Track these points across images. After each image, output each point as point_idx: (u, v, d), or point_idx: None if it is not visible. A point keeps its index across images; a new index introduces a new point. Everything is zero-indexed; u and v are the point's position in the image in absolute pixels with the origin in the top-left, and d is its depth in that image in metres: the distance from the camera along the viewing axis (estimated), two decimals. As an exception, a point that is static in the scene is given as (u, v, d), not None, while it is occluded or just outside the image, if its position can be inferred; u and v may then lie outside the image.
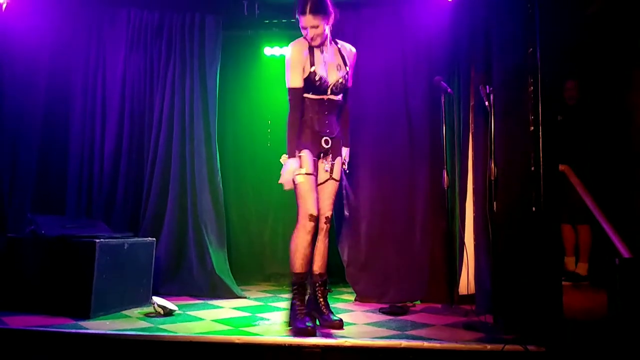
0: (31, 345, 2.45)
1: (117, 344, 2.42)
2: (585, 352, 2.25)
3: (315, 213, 2.65)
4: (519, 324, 2.55)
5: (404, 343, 2.34)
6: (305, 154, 2.71)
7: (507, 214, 2.78)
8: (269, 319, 2.94)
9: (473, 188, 3.31)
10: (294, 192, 2.73)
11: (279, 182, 2.74)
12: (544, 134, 2.46)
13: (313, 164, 2.71)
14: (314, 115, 2.75)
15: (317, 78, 2.69)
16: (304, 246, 2.65)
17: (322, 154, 2.79)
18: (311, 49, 2.71)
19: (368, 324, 2.83)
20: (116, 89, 4.07)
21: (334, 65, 2.77)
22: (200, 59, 4.08)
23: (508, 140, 2.78)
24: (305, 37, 2.72)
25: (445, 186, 3.35)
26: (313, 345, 2.36)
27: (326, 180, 2.81)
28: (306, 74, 2.68)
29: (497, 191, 2.78)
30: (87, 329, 2.56)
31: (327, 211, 2.82)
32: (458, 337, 2.47)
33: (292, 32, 4.62)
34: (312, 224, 2.65)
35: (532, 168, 2.51)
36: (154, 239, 3.47)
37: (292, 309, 2.66)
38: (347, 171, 3.01)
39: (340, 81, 2.76)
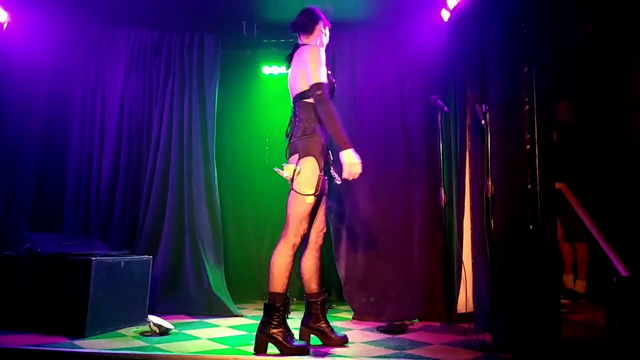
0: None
1: (112, 363, 2.40)
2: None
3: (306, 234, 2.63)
4: (518, 342, 2.54)
5: (401, 362, 2.33)
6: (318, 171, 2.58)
7: (504, 232, 2.78)
8: (266, 338, 2.90)
9: (470, 205, 3.32)
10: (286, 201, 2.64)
11: (346, 176, 2.60)
12: (540, 152, 2.48)
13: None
14: (320, 124, 2.65)
15: (333, 82, 2.74)
16: (290, 265, 2.57)
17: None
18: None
19: (366, 342, 2.81)
20: (115, 107, 4.10)
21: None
22: (199, 77, 4.12)
23: (504, 158, 2.80)
24: (321, 44, 2.83)
25: (443, 203, 3.36)
26: (310, 365, 2.34)
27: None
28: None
29: (494, 209, 2.79)
30: (82, 348, 2.53)
31: (324, 227, 2.81)
32: (456, 357, 2.45)
33: (290, 50, 4.72)
34: (299, 244, 2.60)
35: (529, 186, 2.53)
36: (151, 256, 3.45)
37: (283, 333, 2.51)
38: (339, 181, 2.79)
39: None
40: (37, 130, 3.95)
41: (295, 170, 2.59)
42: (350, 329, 3.22)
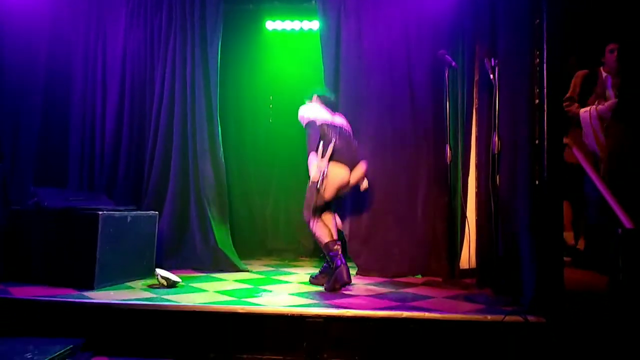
0: (36, 314, 2.48)
1: (122, 313, 2.46)
2: (585, 323, 2.27)
3: None
4: (520, 296, 2.58)
5: (405, 313, 2.37)
6: None
7: (510, 188, 2.78)
8: (272, 291, 2.96)
9: (476, 163, 3.30)
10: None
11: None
12: (549, 107, 2.45)
13: None
14: None
15: None
16: None
17: None
18: None
19: (370, 295, 2.86)
20: (117, 63, 4.04)
21: None
22: (201, 32, 4.03)
23: (512, 113, 2.77)
24: None
25: (448, 161, 3.34)
26: (315, 315, 2.38)
27: None
28: None
29: (500, 165, 2.77)
30: (91, 298, 2.59)
31: None
32: (459, 309, 2.49)
33: (294, 5, 4.62)
34: None
35: (537, 141, 2.51)
36: (157, 212, 3.48)
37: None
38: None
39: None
40: (39, 87, 3.92)
41: None
42: (354, 284, 3.27)
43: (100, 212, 2.90)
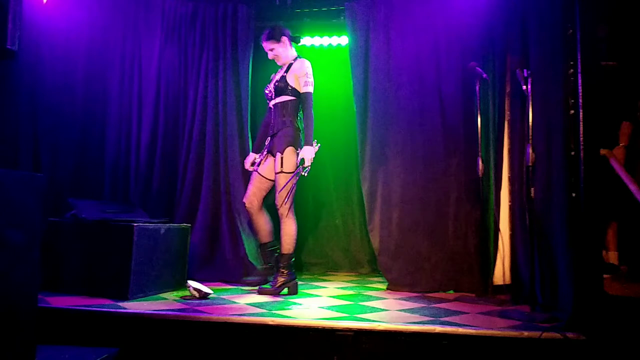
0: (72, 323, 2.54)
1: (155, 323, 2.49)
2: (628, 340, 2.18)
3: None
4: (558, 312, 2.50)
5: (438, 328, 2.32)
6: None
7: (545, 201, 2.72)
8: (302, 304, 2.96)
9: (509, 176, 3.25)
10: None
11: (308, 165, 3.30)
12: (585, 117, 2.40)
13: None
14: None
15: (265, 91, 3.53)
16: None
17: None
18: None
19: (401, 310, 2.82)
20: (151, 78, 4.16)
21: (274, 78, 3.50)
22: (233, 50, 4.13)
23: (547, 124, 2.72)
24: None
25: (480, 174, 3.30)
26: (346, 328, 2.36)
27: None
28: None
29: (534, 177, 2.72)
30: (126, 309, 2.63)
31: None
32: (493, 325, 2.43)
33: (323, 21, 4.68)
34: None
35: (572, 152, 2.46)
36: (189, 224, 3.54)
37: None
38: (305, 174, 3.34)
39: (276, 84, 3.44)
40: (78, 103, 4.06)
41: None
42: (385, 298, 3.24)
43: (135, 224, 2.97)
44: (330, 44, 4.88)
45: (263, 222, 3.51)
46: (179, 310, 2.64)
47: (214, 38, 4.16)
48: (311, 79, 3.45)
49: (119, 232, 2.98)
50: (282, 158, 3.32)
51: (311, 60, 5.02)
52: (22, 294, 1.79)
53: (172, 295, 3.13)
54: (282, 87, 3.42)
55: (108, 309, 2.60)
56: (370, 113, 3.82)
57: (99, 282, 3.00)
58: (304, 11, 4.43)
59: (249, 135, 4.04)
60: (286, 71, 3.47)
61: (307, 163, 3.30)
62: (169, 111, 4.17)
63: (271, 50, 3.48)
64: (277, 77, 3.50)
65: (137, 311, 2.57)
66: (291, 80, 3.43)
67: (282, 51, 3.48)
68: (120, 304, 2.78)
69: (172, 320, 2.49)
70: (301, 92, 3.44)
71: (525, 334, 2.25)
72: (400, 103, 3.78)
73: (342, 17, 4.32)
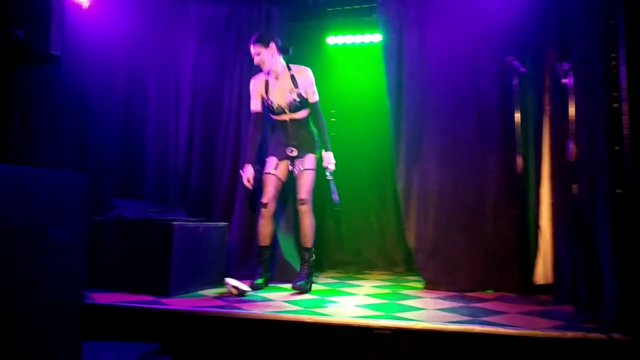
0: (115, 319, 2.62)
1: (195, 319, 2.54)
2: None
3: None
4: (603, 312, 2.42)
5: (477, 328, 2.28)
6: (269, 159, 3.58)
7: (588, 198, 2.63)
8: (338, 302, 2.96)
9: (550, 172, 3.16)
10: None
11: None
12: (630, 111, 2.30)
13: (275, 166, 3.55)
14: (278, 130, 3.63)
15: (270, 103, 3.53)
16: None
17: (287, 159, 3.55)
18: (267, 81, 3.53)
19: (439, 309, 2.78)
20: (188, 81, 4.26)
21: (285, 90, 3.49)
22: (266, 50, 4.16)
23: (589, 119, 2.63)
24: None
25: (519, 171, 3.21)
26: (383, 327, 2.35)
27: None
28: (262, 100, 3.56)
29: (577, 173, 2.63)
30: (167, 305, 2.70)
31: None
32: (535, 325, 2.37)
33: (355, 19, 4.68)
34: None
35: (616, 147, 2.37)
36: (227, 223, 3.60)
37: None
38: (330, 177, 3.60)
39: (293, 102, 3.49)
40: (118, 104, 4.20)
41: None
42: (422, 297, 3.20)
43: (174, 223, 3.04)
44: (362, 42, 4.87)
45: (273, 226, 3.62)
46: (217, 306, 2.69)
47: (248, 40, 4.19)
48: (312, 76, 3.58)
49: (160, 230, 3.06)
50: (310, 157, 3.55)
51: (344, 58, 5.08)
52: (69, 291, 1.86)
53: (210, 292, 3.19)
54: (299, 103, 3.52)
55: (150, 305, 2.68)
56: (405, 110, 3.78)
57: (140, 279, 3.08)
58: (336, 10, 4.44)
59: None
60: (296, 86, 3.52)
61: (333, 167, 3.58)
62: (205, 113, 4.26)
63: (258, 54, 3.45)
64: (287, 92, 3.51)
65: (178, 307, 2.64)
66: (303, 93, 3.53)
67: (268, 57, 3.46)
68: (161, 300, 2.85)
69: (212, 316, 2.54)
70: (311, 101, 3.56)
71: (569, 334, 2.18)
72: (435, 99, 3.72)
73: (374, 15, 4.29)
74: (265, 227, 3.52)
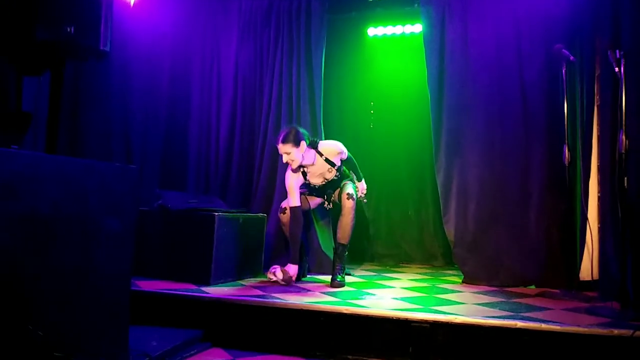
0: (160, 306, 2.72)
1: (236, 308, 2.61)
2: None
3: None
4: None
5: (519, 324, 2.23)
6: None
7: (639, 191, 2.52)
8: (375, 294, 2.96)
9: (598, 165, 3.04)
10: None
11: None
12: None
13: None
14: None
15: (310, 184, 3.51)
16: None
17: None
18: (303, 171, 3.43)
19: (478, 304, 2.74)
20: (229, 75, 4.34)
21: (324, 171, 3.45)
22: (306, 43, 4.18)
23: (642, 108, 2.51)
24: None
25: (566, 163, 3.10)
26: (422, 320, 2.34)
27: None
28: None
29: (628, 166, 2.52)
30: (208, 293, 2.78)
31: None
32: (580, 322, 2.29)
33: (396, 10, 4.62)
34: None
35: (672, 139, 2.26)
36: (265, 214, 3.65)
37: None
38: (365, 201, 3.96)
39: (334, 177, 3.50)
40: (163, 98, 4.33)
41: None
42: (461, 291, 3.16)
43: (216, 214, 3.12)
44: (403, 33, 4.81)
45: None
46: (257, 296, 2.75)
47: (288, 33, 4.23)
48: (340, 147, 3.44)
49: (202, 221, 3.14)
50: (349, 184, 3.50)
51: (384, 49, 5.03)
52: (118, 278, 1.94)
53: (249, 282, 3.26)
54: (338, 172, 3.50)
55: (192, 293, 2.76)
56: (446, 102, 3.71)
57: (182, 268, 3.18)
58: (377, 0, 4.38)
59: (322, 127, 4.08)
60: (332, 165, 3.43)
61: (364, 192, 3.72)
62: (246, 106, 4.33)
63: (287, 153, 3.25)
64: (326, 172, 3.46)
65: (218, 295, 2.71)
66: (339, 163, 3.47)
67: (299, 156, 3.27)
68: (203, 288, 2.94)
69: (251, 305, 2.59)
70: (345, 159, 3.51)
71: (616, 332, 2.11)
72: (478, 90, 3.64)
73: (415, 5, 4.23)
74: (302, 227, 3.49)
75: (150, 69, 4.30)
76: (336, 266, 3.34)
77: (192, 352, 2.38)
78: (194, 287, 2.98)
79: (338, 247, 3.39)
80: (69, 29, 2.20)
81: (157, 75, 4.32)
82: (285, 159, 3.30)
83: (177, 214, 3.26)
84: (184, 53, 4.41)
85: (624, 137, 2.49)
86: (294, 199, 3.36)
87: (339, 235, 3.39)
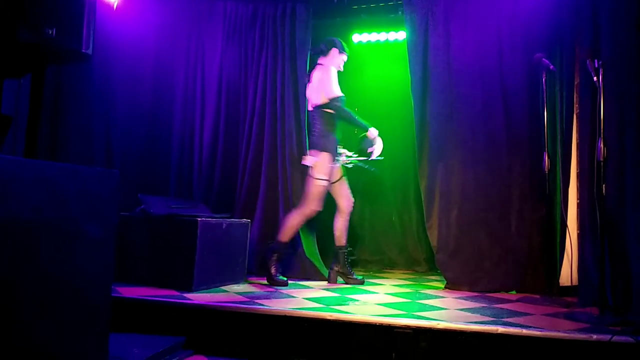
0: (141, 312, 2.68)
1: (219, 314, 2.58)
2: None
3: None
4: (630, 315, 2.37)
5: (500, 329, 2.26)
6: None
7: (617, 198, 2.58)
8: (359, 300, 2.97)
9: (577, 172, 3.10)
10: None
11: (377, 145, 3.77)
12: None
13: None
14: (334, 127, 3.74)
15: None
16: (300, 225, 3.67)
17: None
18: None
19: (461, 309, 2.77)
20: (214, 79, 4.31)
21: None
22: (291, 48, 4.19)
23: (620, 117, 2.58)
24: (334, 65, 3.79)
25: (546, 170, 3.16)
26: (405, 325, 2.35)
27: None
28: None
29: (606, 173, 2.58)
30: (191, 300, 2.75)
31: (352, 199, 3.86)
32: (559, 327, 2.33)
33: (381, 17, 4.66)
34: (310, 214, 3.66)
35: (648, 147, 2.32)
36: (249, 220, 3.64)
37: (275, 268, 3.55)
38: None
39: None
40: (146, 102, 4.28)
41: (314, 161, 3.59)
42: (444, 297, 3.19)
43: (199, 219, 3.09)
44: (387, 39, 4.85)
45: None
46: (240, 302, 2.73)
47: (273, 37, 4.23)
48: None
49: (185, 226, 3.11)
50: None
51: (369, 55, 5.06)
52: (99, 284, 1.91)
53: (233, 288, 3.23)
54: None
55: (175, 300, 2.73)
56: (429, 108, 3.75)
57: (164, 274, 3.14)
58: (361, 7, 4.44)
59: (306, 132, 4.09)
60: None
61: None
62: (230, 109, 4.31)
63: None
64: None
65: (201, 302, 2.68)
66: None
67: None
68: (185, 294, 2.90)
69: (234, 312, 2.57)
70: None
71: (594, 337, 2.15)
72: (461, 98, 3.69)
73: (399, 12, 4.28)
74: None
75: (133, 73, 4.26)
76: (348, 267, 3.73)
77: (173, 360, 2.35)
78: (176, 293, 2.94)
79: (348, 249, 3.78)
80: (50, 31, 2.17)
81: (140, 79, 4.28)
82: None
83: (159, 219, 3.22)
84: (167, 57, 4.38)
85: (602, 145, 2.54)
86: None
87: (346, 238, 3.78)
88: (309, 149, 3.71)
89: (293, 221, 3.57)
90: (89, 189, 1.79)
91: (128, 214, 3.40)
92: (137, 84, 4.27)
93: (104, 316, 1.92)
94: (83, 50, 2.35)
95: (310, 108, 3.77)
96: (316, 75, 3.75)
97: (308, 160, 3.62)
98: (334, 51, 3.79)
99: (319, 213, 3.65)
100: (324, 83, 3.65)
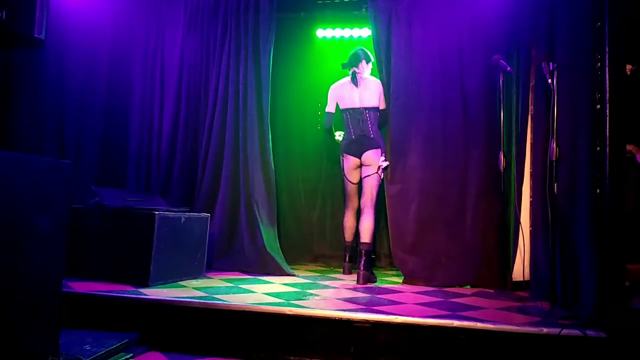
0: (94, 308, 2.59)
1: (175, 310, 2.53)
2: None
3: None
4: (579, 309, 2.47)
5: (455, 323, 2.32)
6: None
7: (568, 197, 2.68)
8: (319, 295, 2.97)
9: (531, 171, 3.20)
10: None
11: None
12: (611, 112, 2.35)
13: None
14: None
15: None
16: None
17: None
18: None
19: (418, 303, 2.81)
20: (174, 68, 4.21)
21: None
22: (254, 40, 4.13)
23: (572, 119, 2.67)
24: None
25: (501, 168, 3.26)
26: (363, 320, 2.37)
27: None
28: None
29: (558, 173, 2.68)
30: (146, 295, 2.68)
31: None
32: (512, 321, 2.41)
33: (345, 13, 4.67)
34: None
35: (598, 148, 2.42)
36: (209, 214, 3.57)
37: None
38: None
39: None
40: (102, 90, 4.14)
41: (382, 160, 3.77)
42: (402, 292, 3.23)
43: (156, 213, 3.01)
44: (351, 36, 4.85)
45: None
46: (197, 297, 2.68)
47: (236, 29, 4.16)
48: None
49: (141, 220, 3.03)
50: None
51: (331, 52, 5.06)
52: (48, 278, 1.84)
53: (191, 283, 3.17)
54: None
55: (128, 295, 2.65)
56: (392, 104, 3.79)
57: (120, 269, 3.05)
58: (326, 2, 4.43)
59: (269, 125, 4.05)
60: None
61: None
62: (190, 102, 4.21)
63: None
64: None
65: (157, 297, 2.62)
66: None
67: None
68: (141, 290, 2.83)
69: (191, 307, 2.52)
70: None
71: (545, 330, 2.23)
72: (422, 96, 3.74)
73: (363, 9, 4.30)
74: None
75: (90, 60, 4.11)
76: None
77: (127, 356, 2.29)
78: (132, 288, 2.86)
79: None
80: (0, 14, 2.06)
81: (96, 66, 4.13)
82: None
83: (114, 212, 3.12)
84: (125, 44, 4.24)
85: (555, 145, 2.64)
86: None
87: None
88: (370, 148, 3.79)
89: (370, 223, 3.73)
90: (39, 180, 1.72)
91: (82, 206, 3.27)
92: (93, 71, 4.12)
93: (54, 311, 1.86)
94: (35, 35, 2.25)
95: (365, 106, 3.84)
96: (372, 81, 3.89)
97: (383, 161, 3.77)
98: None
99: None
100: (382, 91, 3.85)
